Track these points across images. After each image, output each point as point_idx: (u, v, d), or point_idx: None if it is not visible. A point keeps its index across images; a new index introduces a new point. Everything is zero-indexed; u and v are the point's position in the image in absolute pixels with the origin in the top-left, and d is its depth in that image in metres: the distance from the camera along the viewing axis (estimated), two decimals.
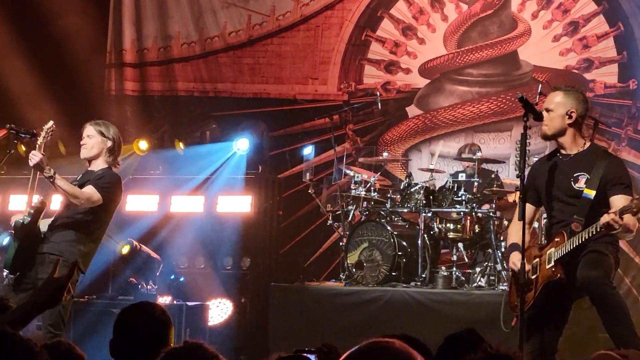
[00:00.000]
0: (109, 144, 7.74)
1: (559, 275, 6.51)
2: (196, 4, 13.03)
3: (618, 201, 6.44)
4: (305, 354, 3.87)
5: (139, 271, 10.72)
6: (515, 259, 6.73)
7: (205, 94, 12.90)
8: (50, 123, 7.69)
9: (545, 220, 8.94)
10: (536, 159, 9.55)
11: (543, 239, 8.64)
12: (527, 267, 6.70)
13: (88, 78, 12.62)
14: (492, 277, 9.52)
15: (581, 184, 6.56)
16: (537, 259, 6.77)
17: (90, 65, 12.74)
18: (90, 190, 7.40)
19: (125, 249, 10.48)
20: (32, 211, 7.52)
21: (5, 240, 9.16)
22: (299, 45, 12.55)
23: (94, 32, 12.88)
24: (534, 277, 6.73)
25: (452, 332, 4.09)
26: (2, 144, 9.11)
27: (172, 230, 11.29)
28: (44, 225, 7.71)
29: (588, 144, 6.77)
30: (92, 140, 7.67)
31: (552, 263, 6.59)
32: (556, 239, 6.64)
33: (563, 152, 6.72)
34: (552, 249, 6.63)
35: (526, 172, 8.65)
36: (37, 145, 7.53)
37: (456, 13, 12.05)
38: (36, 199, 7.70)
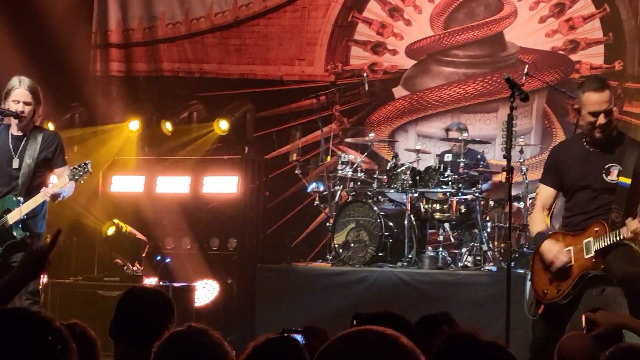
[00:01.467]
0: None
1: (601, 266, 6.47)
2: None
3: None
4: (292, 335, 3.75)
5: (125, 252, 10.68)
6: (554, 246, 6.67)
7: (191, 75, 12.85)
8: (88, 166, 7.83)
9: (529, 202, 9.24)
10: (522, 140, 10.30)
11: (528, 218, 8.53)
12: (566, 254, 6.62)
13: (74, 59, 12.51)
14: (478, 258, 9.45)
15: (613, 176, 6.55)
16: (571, 247, 6.65)
17: (75, 46, 12.66)
18: None
19: (111, 230, 10.46)
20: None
21: None
22: (286, 26, 12.53)
23: (79, 13, 12.88)
24: (566, 262, 6.62)
25: (424, 316, 4.10)
26: None
27: (158, 212, 11.28)
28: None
29: (615, 132, 6.71)
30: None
31: (593, 253, 6.50)
32: (595, 229, 6.54)
33: (591, 140, 6.65)
34: (591, 239, 6.53)
35: (524, 157, 9.14)
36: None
37: None
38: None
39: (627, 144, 6.65)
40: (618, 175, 6.36)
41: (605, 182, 6.47)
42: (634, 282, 6.22)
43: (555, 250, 6.46)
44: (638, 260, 6.38)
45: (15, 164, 7.53)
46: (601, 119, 6.29)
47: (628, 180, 6.37)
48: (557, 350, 4.35)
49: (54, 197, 7.44)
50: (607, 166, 6.43)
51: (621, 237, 6.29)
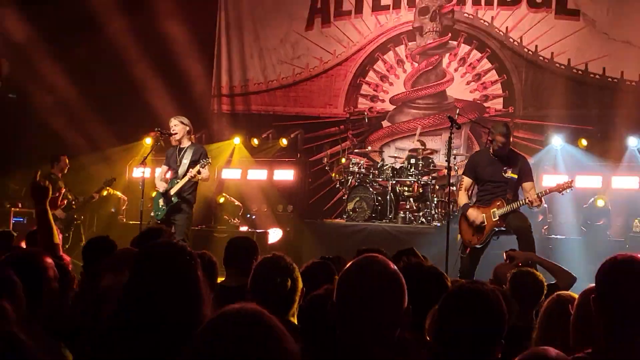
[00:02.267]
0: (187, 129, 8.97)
1: (503, 225, 7.70)
2: (262, 61, 14.27)
3: (528, 186, 7.79)
4: (326, 260, 4.35)
5: (229, 212, 12.45)
6: (474, 213, 7.85)
7: (267, 112, 14.26)
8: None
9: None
10: (461, 152, 11.61)
11: (457, 195, 8.82)
12: (479, 217, 7.78)
13: (202, 102, 14.16)
14: (429, 218, 10.69)
15: (508, 174, 7.77)
16: (484, 214, 7.76)
17: (203, 95, 14.30)
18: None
19: (222, 200, 12.48)
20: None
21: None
22: (321, 85, 13.82)
23: (205, 75, 14.22)
24: (482, 223, 7.74)
25: (399, 250, 4.58)
26: (155, 139, 11.08)
27: (249, 190, 12.97)
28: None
29: (508, 149, 7.87)
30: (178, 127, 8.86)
31: (497, 217, 7.66)
32: (497, 203, 7.76)
33: (494, 152, 7.87)
34: (495, 209, 7.72)
35: (457, 161, 10.00)
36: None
37: (411, 68, 13.26)
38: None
39: (515, 155, 8.01)
40: (511, 173, 7.77)
41: (503, 177, 7.79)
42: (522, 231, 7.57)
43: (475, 215, 7.72)
44: (524, 219, 7.70)
45: (179, 167, 8.85)
46: (504, 144, 7.73)
47: (515, 176, 7.78)
48: (493, 273, 4.97)
49: (192, 178, 8.70)
50: (504, 167, 7.78)
51: (515, 206, 7.64)
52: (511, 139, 7.95)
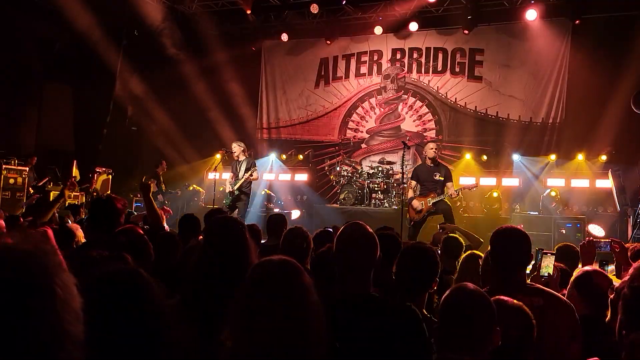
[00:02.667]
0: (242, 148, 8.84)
1: (434, 208, 7.81)
2: (288, 107, 14.34)
3: (449, 185, 7.84)
4: (327, 229, 4.27)
5: (269, 199, 12.39)
6: (416, 201, 7.85)
7: (291, 138, 14.26)
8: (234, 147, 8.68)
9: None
10: (409, 164, 10.99)
11: (406, 191, 8.60)
12: (420, 204, 7.85)
13: (251, 133, 14.27)
14: (390, 204, 10.71)
15: (437, 177, 7.91)
16: (423, 201, 7.84)
17: (252, 129, 14.44)
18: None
19: (264, 193, 12.45)
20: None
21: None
22: (324, 122, 14.01)
23: (252, 115, 14.42)
24: (421, 208, 7.81)
25: (378, 227, 4.10)
26: (222, 155, 10.74)
27: (278, 186, 12.92)
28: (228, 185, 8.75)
29: (437, 161, 8.05)
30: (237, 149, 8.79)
31: (431, 203, 7.81)
32: (431, 194, 7.86)
33: (429, 164, 8.03)
34: (430, 198, 7.84)
35: (407, 169, 8.94)
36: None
37: (380, 111, 13.48)
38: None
39: (441, 165, 8.18)
40: (439, 177, 7.94)
41: (434, 179, 7.95)
42: (446, 212, 7.71)
43: (417, 203, 7.86)
44: (447, 205, 7.83)
45: (239, 173, 8.65)
46: (433, 156, 7.86)
47: (442, 178, 7.96)
48: (432, 238, 4.96)
49: (247, 178, 8.61)
50: (435, 173, 7.95)
51: (442, 197, 7.73)
52: (437, 150, 8.22)
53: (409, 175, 8.60)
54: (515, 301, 1.97)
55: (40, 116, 12.53)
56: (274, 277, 1.56)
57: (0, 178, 10.11)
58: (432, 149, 7.97)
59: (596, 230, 9.59)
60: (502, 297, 1.98)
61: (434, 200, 7.78)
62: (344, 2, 11.92)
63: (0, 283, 0.85)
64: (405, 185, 8.89)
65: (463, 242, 4.24)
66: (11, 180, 10.42)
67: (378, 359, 2.00)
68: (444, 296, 1.94)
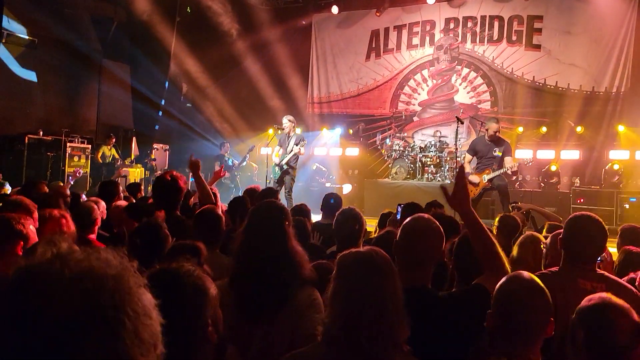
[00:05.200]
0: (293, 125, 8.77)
1: (490, 184, 7.75)
2: (339, 80, 14.31)
3: (508, 160, 7.68)
4: (391, 211, 4.32)
5: (319, 174, 12.45)
6: (473, 176, 7.66)
7: (342, 112, 14.24)
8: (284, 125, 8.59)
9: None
10: (463, 136, 11.25)
11: (463, 162, 8.43)
12: (478, 178, 7.70)
13: (301, 107, 14.30)
14: (443, 178, 10.49)
15: (496, 152, 7.75)
16: (480, 177, 7.73)
17: (302, 102, 14.39)
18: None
19: (315, 167, 12.54)
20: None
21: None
22: (375, 95, 13.96)
23: (303, 88, 14.38)
24: (478, 182, 7.72)
25: (428, 202, 4.47)
26: (275, 130, 9.72)
27: (333, 160, 13.05)
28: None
29: (497, 137, 7.84)
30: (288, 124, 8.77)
31: (486, 180, 7.71)
32: (487, 170, 7.75)
33: (487, 140, 7.86)
34: (485, 175, 7.75)
35: (460, 142, 9.07)
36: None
37: (432, 83, 13.35)
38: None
39: (501, 140, 7.95)
40: (498, 152, 7.78)
41: (493, 154, 7.80)
42: (501, 188, 7.69)
43: (473, 177, 7.73)
44: (504, 180, 7.76)
45: (288, 147, 8.67)
46: (495, 132, 7.75)
47: (500, 154, 7.79)
48: (499, 219, 4.22)
49: (296, 153, 8.63)
50: (494, 148, 7.78)
51: (497, 173, 7.56)
52: (498, 130, 8.02)
53: (463, 149, 8.52)
54: (622, 302, 1.81)
55: (100, 94, 12.94)
56: (365, 266, 1.63)
57: (65, 157, 10.69)
58: (494, 129, 7.80)
59: None
60: (607, 297, 1.83)
61: (490, 177, 7.70)
62: None
63: (56, 319, 0.73)
64: (460, 159, 9.00)
65: (519, 223, 4.13)
66: (75, 159, 10.91)
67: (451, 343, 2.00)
68: (499, 284, 1.90)
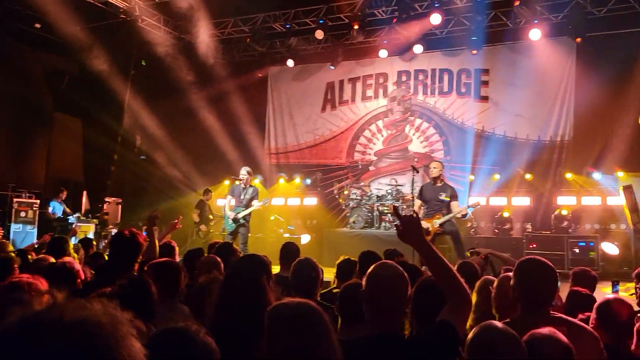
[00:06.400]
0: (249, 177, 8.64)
1: (441, 229, 7.70)
2: (295, 131, 14.30)
3: (455, 204, 7.71)
4: (347, 258, 4.19)
5: (277, 224, 12.01)
6: (424, 223, 7.53)
7: (299, 162, 14.22)
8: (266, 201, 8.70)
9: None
10: (419, 184, 9.60)
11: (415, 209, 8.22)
12: (428, 224, 7.69)
13: (260, 159, 14.20)
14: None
15: (443, 197, 7.75)
16: (430, 223, 7.71)
17: (260, 155, 14.29)
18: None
19: (272, 217, 12.07)
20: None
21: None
22: (332, 146, 14.01)
23: (260, 139, 14.28)
24: (430, 229, 7.65)
25: (386, 250, 4.51)
26: (231, 181, 10.54)
27: (287, 212, 12.66)
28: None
29: (442, 181, 7.96)
30: (246, 177, 8.64)
31: (437, 225, 7.68)
32: (437, 215, 7.72)
33: (434, 183, 7.93)
34: (436, 220, 7.72)
35: (416, 191, 8.60)
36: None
37: (387, 133, 13.48)
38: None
39: (446, 185, 8.03)
40: (445, 197, 7.77)
41: (440, 199, 7.79)
42: (453, 233, 7.63)
43: (424, 223, 7.63)
44: (454, 225, 7.74)
45: (244, 200, 8.56)
46: (436, 171, 7.77)
47: (447, 198, 7.81)
48: (458, 265, 4.11)
49: (247, 208, 8.54)
50: (440, 192, 7.80)
51: (448, 217, 7.47)
52: (443, 173, 8.10)
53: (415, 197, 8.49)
54: (546, 330, 1.94)
55: (50, 148, 12.88)
56: (291, 322, 1.63)
57: (11, 212, 10.28)
58: (435, 168, 7.90)
59: (610, 248, 9.46)
60: (535, 331, 1.95)
61: (440, 221, 7.66)
62: (395, 20, 11.88)
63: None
64: (415, 208, 8.63)
65: (478, 268, 4.10)
66: (22, 214, 10.49)
67: None
68: (472, 334, 1.89)
